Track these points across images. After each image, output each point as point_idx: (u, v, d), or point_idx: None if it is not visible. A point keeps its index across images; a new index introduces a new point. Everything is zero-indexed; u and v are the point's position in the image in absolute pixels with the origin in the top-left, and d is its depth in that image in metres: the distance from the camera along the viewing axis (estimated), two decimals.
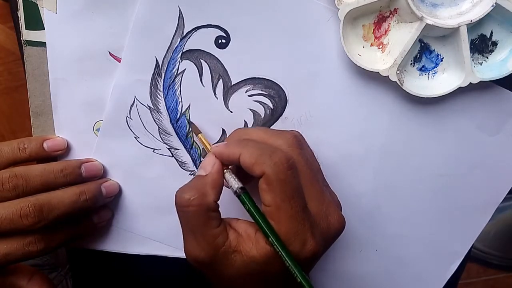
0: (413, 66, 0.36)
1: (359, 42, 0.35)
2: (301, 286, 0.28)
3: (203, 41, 0.36)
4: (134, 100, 0.38)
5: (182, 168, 0.39)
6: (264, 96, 0.37)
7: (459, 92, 0.35)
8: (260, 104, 0.38)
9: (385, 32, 0.35)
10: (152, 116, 0.38)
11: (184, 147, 0.39)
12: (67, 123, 0.39)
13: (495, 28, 0.34)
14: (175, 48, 0.36)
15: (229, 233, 0.30)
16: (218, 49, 0.36)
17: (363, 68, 0.34)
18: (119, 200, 0.40)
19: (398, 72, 0.34)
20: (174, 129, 0.38)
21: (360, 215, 0.40)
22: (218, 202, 0.30)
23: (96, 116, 0.38)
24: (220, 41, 0.36)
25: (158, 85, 0.37)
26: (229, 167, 0.32)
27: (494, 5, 0.32)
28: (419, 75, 0.36)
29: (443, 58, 0.35)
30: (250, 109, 0.38)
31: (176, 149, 0.39)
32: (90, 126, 0.39)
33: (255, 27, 0.35)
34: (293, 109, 0.37)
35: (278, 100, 0.37)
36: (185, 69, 0.37)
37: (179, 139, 0.39)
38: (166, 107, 0.38)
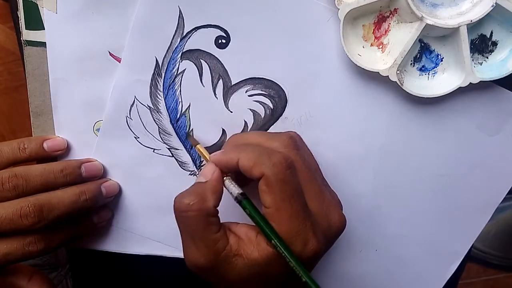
0: (413, 66, 0.36)
1: (359, 42, 0.35)
2: (306, 286, 0.28)
3: (203, 41, 0.36)
4: (134, 100, 0.38)
5: (182, 168, 0.39)
6: (264, 96, 0.37)
7: (459, 92, 0.35)
8: (260, 104, 0.38)
9: (385, 32, 0.35)
10: (152, 116, 0.38)
11: (184, 147, 0.39)
12: (67, 123, 0.39)
13: (495, 28, 0.34)
14: (175, 48, 0.36)
15: (229, 237, 0.30)
16: (218, 49, 0.36)
17: (363, 68, 0.34)
18: (119, 200, 0.40)
19: (398, 72, 0.34)
20: (174, 129, 0.38)
21: (360, 215, 0.40)
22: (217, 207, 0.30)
23: (96, 116, 0.38)
24: (220, 41, 0.36)
25: (158, 85, 0.37)
26: (229, 174, 0.32)
27: (494, 5, 0.32)
28: (419, 75, 0.36)
29: (443, 58, 0.35)
30: (250, 109, 0.38)
31: (176, 149, 0.39)
32: (90, 126, 0.39)
33: (255, 27, 0.35)
34: (293, 109, 0.37)
35: (278, 100, 0.37)
36: (185, 69, 0.37)
37: (179, 139, 0.39)
38: (166, 107, 0.38)
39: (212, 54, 0.36)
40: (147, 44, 0.36)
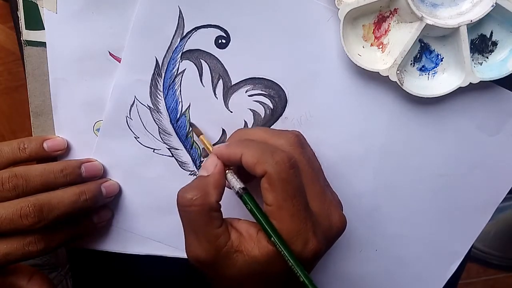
0: (413, 66, 0.36)
1: (359, 42, 0.35)
2: (303, 285, 0.28)
3: (203, 41, 0.36)
4: (134, 100, 0.38)
5: (182, 168, 0.39)
6: (264, 96, 0.37)
7: (459, 92, 0.35)
8: (260, 104, 0.38)
9: (385, 32, 0.35)
10: (152, 116, 0.38)
11: (184, 147, 0.39)
12: (67, 123, 0.39)
13: (495, 28, 0.34)
14: (175, 48, 0.36)
15: (231, 233, 0.30)
16: (218, 49, 0.36)
17: (363, 68, 0.34)
18: (119, 200, 0.40)
19: (398, 72, 0.34)
20: (174, 129, 0.38)
21: (360, 215, 0.40)
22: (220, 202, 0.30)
23: (96, 116, 0.38)
24: (220, 41, 0.36)
25: (158, 85, 0.37)
26: (231, 167, 0.32)
27: (494, 5, 0.32)
28: (419, 75, 0.36)
29: (443, 58, 0.35)
30: (250, 109, 0.38)
31: (176, 149, 0.39)
32: (90, 126, 0.39)
33: (255, 27, 0.35)
34: (293, 109, 0.37)
35: (278, 100, 0.37)
36: (185, 69, 0.37)
37: (179, 139, 0.39)
38: (166, 107, 0.38)
39: (212, 54, 0.36)
40: (147, 44, 0.36)
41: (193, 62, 0.37)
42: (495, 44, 0.35)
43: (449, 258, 0.42)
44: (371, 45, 0.35)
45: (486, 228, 0.41)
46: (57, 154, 0.38)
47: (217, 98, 0.37)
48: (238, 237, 0.30)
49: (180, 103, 0.38)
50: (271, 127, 0.38)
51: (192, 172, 0.39)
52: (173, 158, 0.39)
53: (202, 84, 0.37)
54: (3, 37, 0.58)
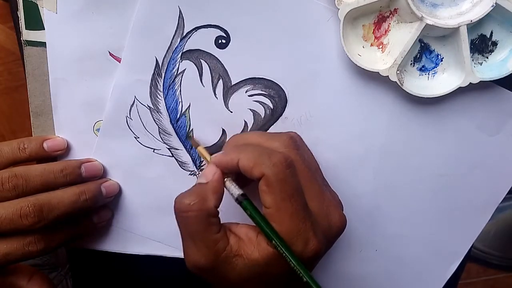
0: (413, 66, 0.36)
1: (359, 42, 0.35)
2: (307, 286, 0.28)
3: (203, 41, 0.36)
4: (134, 100, 0.38)
5: (182, 168, 0.39)
6: (264, 96, 0.37)
7: (459, 92, 0.35)
8: (260, 104, 0.38)
9: (385, 32, 0.35)
10: (152, 116, 0.38)
11: (184, 147, 0.39)
12: (67, 123, 0.39)
13: (495, 28, 0.34)
14: (175, 48, 0.36)
15: (229, 238, 0.30)
16: (218, 49, 0.36)
17: (363, 68, 0.34)
18: (119, 200, 0.40)
19: (398, 72, 0.34)
20: (174, 129, 0.38)
21: (360, 215, 0.40)
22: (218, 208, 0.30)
23: (96, 116, 0.38)
24: (220, 41, 0.36)
25: (158, 85, 0.37)
26: (229, 175, 0.32)
27: (494, 5, 0.32)
28: (419, 75, 0.36)
29: (443, 58, 0.35)
30: (250, 109, 0.38)
31: (176, 149, 0.39)
32: (90, 126, 0.39)
33: (255, 27, 0.35)
34: (293, 109, 0.37)
35: (278, 100, 0.37)
36: (185, 69, 0.37)
37: (179, 139, 0.39)
38: (166, 107, 0.38)
39: (212, 54, 0.36)
40: (147, 44, 0.36)
41: (193, 62, 0.37)
42: (495, 44, 0.35)
43: (449, 258, 0.42)
44: (371, 45, 0.35)
45: (486, 228, 0.41)
46: (57, 154, 0.38)
47: (217, 98, 0.37)
48: (237, 241, 0.30)
49: (180, 103, 0.38)
50: (271, 127, 0.38)
51: (192, 172, 0.39)
52: (173, 158, 0.39)
53: (202, 84, 0.37)
54: (3, 37, 0.58)
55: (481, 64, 0.35)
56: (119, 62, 0.37)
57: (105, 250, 0.42)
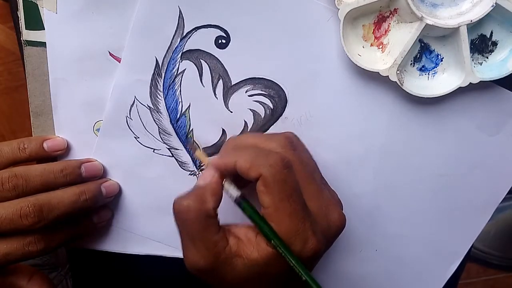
0: (413, 66, 0.36)
1: (359, 42, 0.35)
2: (307, 285, 0.28)
3: (203, 41, 0.36)
4: (134, 100, 0.38)
5: (182, 168, 0.39)
6: (264, 96, 0.37)
7: (459, 92, 0.35)
8: (260, 104, 0.38)
9: (385, 32, 0.35)
10: (152, 116, 0.38)
11: (184, 147, 0.39)
12: (67, 123, 0.39)
13: (495, 28, 0.34)
14: (175, 48, 0.36)
15: (229, 238, 0.30)
16: (218, 49, 0.36)
17: (363, 68, 0.34)
18: (119, 200, 0.40)
19: (398, 72, 0.34)
20: (174, 129, 0.38)
21: (360, 215, 0.40)
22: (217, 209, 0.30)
23: (96, 116, 0.38)
24: (220, 41, 0.36)
25: (158, 85, 0.37)
26: (227, 177, 0.32)
27: (494, 5, 0.32)
28: (419, 75, 0.36)
29: (443, 58, 0.35)
30: (250, 109, 0.38)
31: (176, 149, 0.39)
32: (90, 126, 0.39)
33: (255, 27, 0.35)
34: (293, 109, 0.37)
35: (278, 100, 0.37)
36: (185, 69, 0.37)
37: (179, 139, 0.39)
38: (166, 107, 0.38)
39: (212, 54, 0.36)
40: (147, 44, 0.36)
41: (193, 62, 0.37)
42: (495, 44, 0.35)
43: (449, 258, 0.42)
44: (371, 45, 0.35)
45: (486, 228, 0.41)
46: (57, 154, 0.38)
47: (217, 98, 0.37)
48: (237, 242, 0.30)
49: (180, 103, 0.38)
50: (271, 127, 0.38)
51: (192, 172, 0.39)
52: (173, 158, 0.39)
53: (202, 84, 0.37)
54: (3, 37, 0.58)
55: (481, 64, 0.35)
56: (119, 62, 0.37)
57: (105, 250, 0.42)
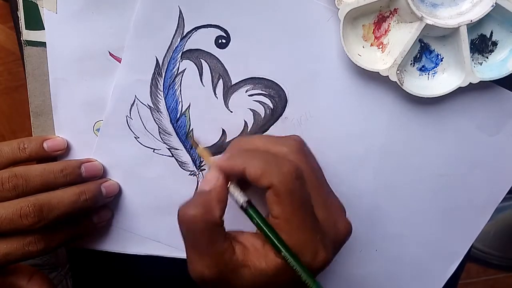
0: (413, 66, 0.36)
1: (359, 42, 0.35)
2: None
3: (203, 41, 0.36)
4: (135, 100, 0.38)
5: (182, 168, 0.39)
6: (264, 96, 0.37)
7: (459, 92, 0.35)
8: (260, 104, 0.38)
9: (385, 32, 0.35)
10: (152, 115, 0.38)
11: (184, 147, 0.39)
12: (67, 123, 0.39)
13: (495, 28, 0.34)
14: (175, 48, 0.36)
15: (235, 247, 0.29)
16: (218, 49, 0.36)
17: (363, 68, 0.34)
18: (119, 200, 0.40)
19: (398, 72, 0.34)
20: (174, 129, 0.38)
21: (360, 215, 0.40)
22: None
23: (96, 116, 0.38)
24: (220, 41, 0.36)
25: (159, 85, 0.37)
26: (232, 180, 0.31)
27: (494, 5, 0.32)
28: (419, 75, 0.36)
29: (443, 58, 0.35)
30: (250, 109, 0.38)
31: (176, 149, 0.39)
32: (90, 126, 0.39)
33: (255, 27, 0.35)
34: (293, 109, 0.37)
35: (278, 100, 0.37)
36: (185, 69, 0.37)
37: (179, 139, 0.39)
38: (166, 107, 0.38)
39: (212, 54, 0.36)
40: (147, 44, 0.36)
41: (193, 62, 0.37)
42: (495, 44, 0.35)
43: (449, 258, 0.42)
44: (371, 45, 0.35)
45: (486, 228, 0.41)
46: (57, 154, 0.38)
47: (217, 98, 0.37)
48: (243, 251, 0.29)
49: (180, 102, 0.38)
50: (271, 127, 0.38)
51: (192, 172, 0.39)
52: (173, 158, 0.39)
53: (202, 84, 0.37)
54: (3, 37, 0.58)
55: (481, 64, 0.35)
56: (119, 62, 0.37)
57: (105, 250, 0.42)
